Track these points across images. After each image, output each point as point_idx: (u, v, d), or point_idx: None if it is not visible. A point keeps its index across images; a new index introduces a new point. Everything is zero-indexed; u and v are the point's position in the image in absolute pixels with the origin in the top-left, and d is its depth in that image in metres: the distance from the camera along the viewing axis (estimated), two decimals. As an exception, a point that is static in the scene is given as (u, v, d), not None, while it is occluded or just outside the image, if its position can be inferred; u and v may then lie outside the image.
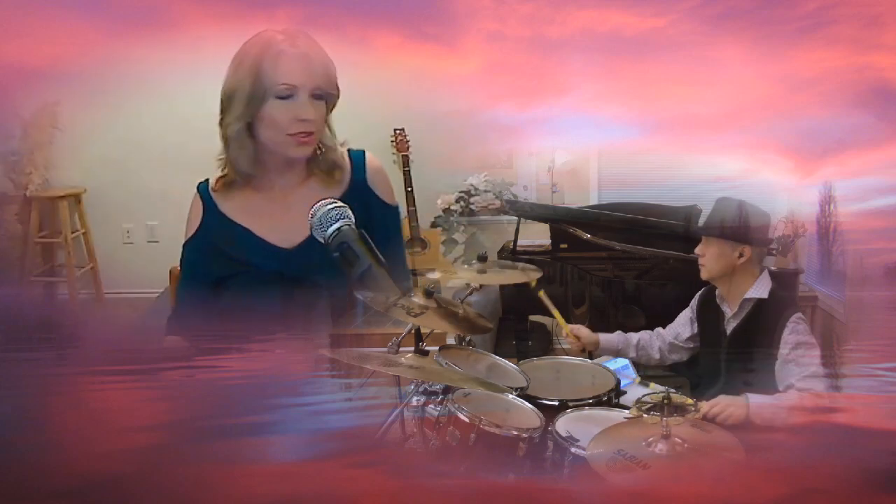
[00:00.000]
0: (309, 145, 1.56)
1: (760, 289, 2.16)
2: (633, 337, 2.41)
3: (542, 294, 2.28)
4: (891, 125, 1.71)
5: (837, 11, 1.69)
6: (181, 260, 1.70)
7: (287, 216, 1.62)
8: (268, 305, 1.57)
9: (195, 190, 1.69)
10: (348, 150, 1.70)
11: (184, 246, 1.69)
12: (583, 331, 2.33)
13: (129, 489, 1.25)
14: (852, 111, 1.73)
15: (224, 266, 1.60)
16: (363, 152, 1.71)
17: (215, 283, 1.62)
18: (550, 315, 2.33)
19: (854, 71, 1.69)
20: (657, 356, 2.41)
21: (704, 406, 1.87)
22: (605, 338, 2.37)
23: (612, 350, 2.37)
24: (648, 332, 2.44)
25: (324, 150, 1.62)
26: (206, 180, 1.68)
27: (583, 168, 4.23)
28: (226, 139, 1.58)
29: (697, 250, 2.22)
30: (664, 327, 2.45)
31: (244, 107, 1.53)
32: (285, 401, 1.45)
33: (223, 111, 1.58)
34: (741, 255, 2.15)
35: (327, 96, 1.57)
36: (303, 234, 1.58)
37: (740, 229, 2.16)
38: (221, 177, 1.65)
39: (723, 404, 1.92)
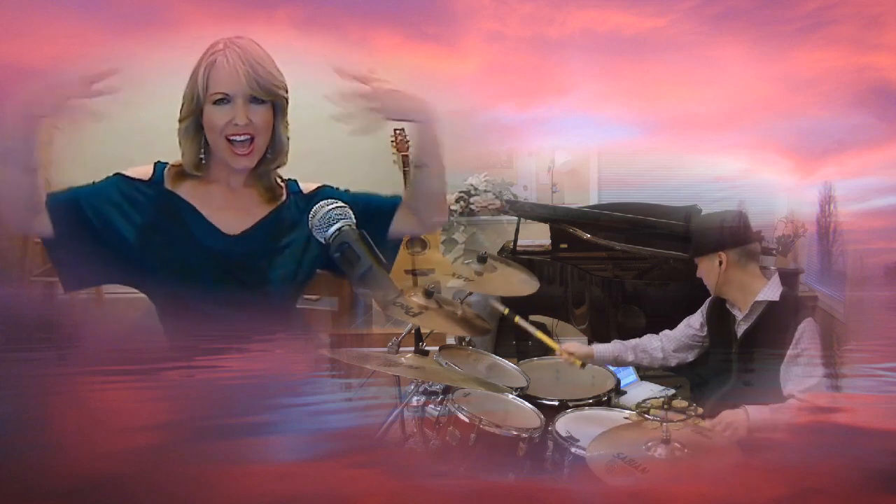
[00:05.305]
0: (248, 158, 1.62)
1: (771, 291, 2.16)
2: (631, 342, 2.40)
3: (517, 320, 2.28)
4: (891, 125, 1.71)
5: (837, 11, 1.69)
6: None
7: (233, 206, 1.67)
8: (209, 284, 1.62)
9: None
10: (285, 180, 1.75)
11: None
12: (573, 346, 2.33)
13: (129, 489, 1.25)
14: (852, 111, 1.73)
15: (166, 237, 1.66)
16: (296, 181, 1.77)
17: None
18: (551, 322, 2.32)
19: (854, 71, 1.69)
20: (660, 356, 2.40)
21: (706, 424, 1.88)
22: (599, 349, 2.37)
23: (608, 359, 2.37)
24: (651, 335, 2.43)
25: (271, 156, 1.66)
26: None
27: (583, 168, 4.22)
28: (179, 136, 1.67)
29: (697, 273, 2.25)
30: (666, 327, 2.45)
31: (188, 108, 1.63)
32: (285, 401, 1.45)
33: (180, 110, 1.67)
34: (721, 263, 2.16)
35: (272, 100, 1.61)
36: (246, 224, 1.65)
37: (709, 238, 2.17)
38: (175, 166, 1.71)
39: (725, 423, 1.91)
